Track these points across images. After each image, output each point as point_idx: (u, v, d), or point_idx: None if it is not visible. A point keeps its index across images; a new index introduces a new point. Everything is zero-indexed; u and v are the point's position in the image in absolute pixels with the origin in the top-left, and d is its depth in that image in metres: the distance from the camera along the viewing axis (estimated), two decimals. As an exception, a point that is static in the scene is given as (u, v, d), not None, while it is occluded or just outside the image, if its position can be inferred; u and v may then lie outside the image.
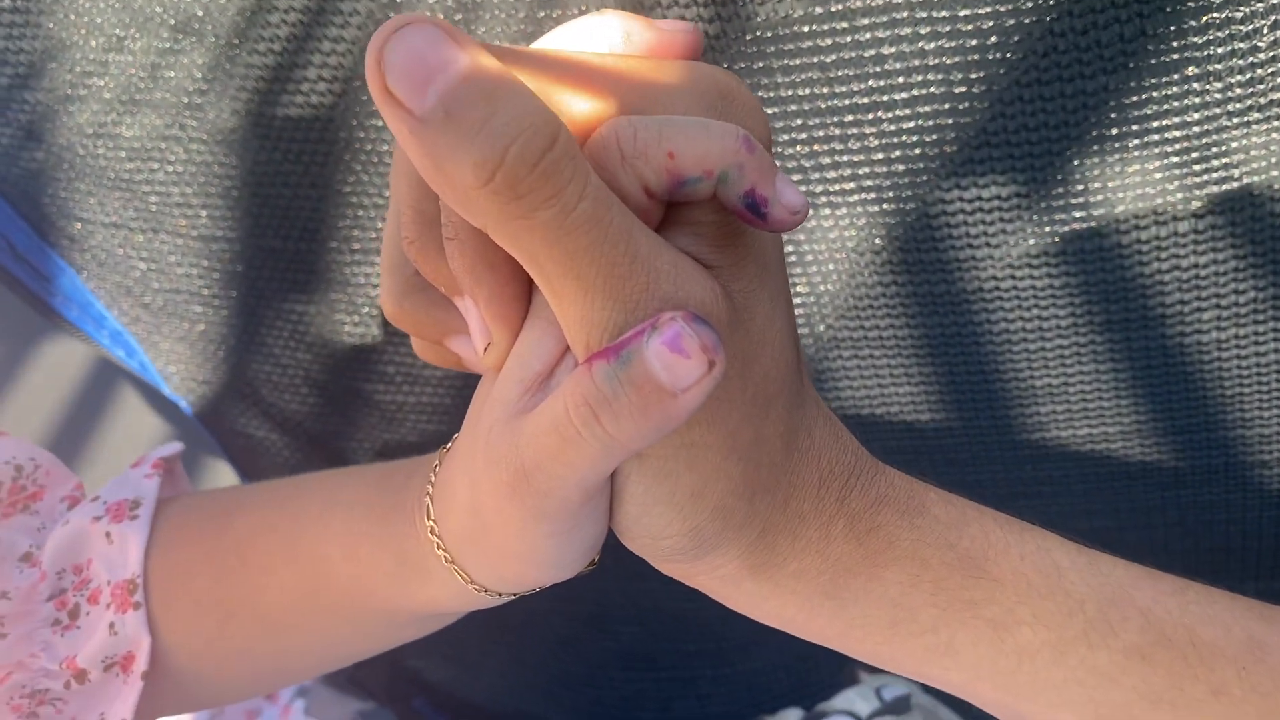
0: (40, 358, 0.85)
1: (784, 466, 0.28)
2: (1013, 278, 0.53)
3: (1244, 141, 0.48)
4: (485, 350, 0.28)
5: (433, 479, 0.32)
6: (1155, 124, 0.48)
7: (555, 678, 0.79)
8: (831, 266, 0.54)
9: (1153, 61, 0.46)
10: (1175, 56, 0.46)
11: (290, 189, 0.56)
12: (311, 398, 0.66)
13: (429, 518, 0.32)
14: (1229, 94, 0.47)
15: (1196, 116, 0.48)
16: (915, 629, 0.28)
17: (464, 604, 0.35)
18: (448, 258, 0.26)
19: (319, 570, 0.38)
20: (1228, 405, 0.58)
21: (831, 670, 0.78)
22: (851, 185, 0.51)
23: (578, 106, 0.25)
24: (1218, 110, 0.47)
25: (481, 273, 0.26)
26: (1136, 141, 0.49)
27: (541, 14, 0.48)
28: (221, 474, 0.85)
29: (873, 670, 0.76)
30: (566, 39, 0.27)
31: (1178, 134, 0.48)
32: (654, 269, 0.24)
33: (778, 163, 0.50)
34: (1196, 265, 0.52)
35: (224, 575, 0.41)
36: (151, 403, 0.88)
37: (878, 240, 0.53)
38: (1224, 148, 0.48)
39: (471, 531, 0.30)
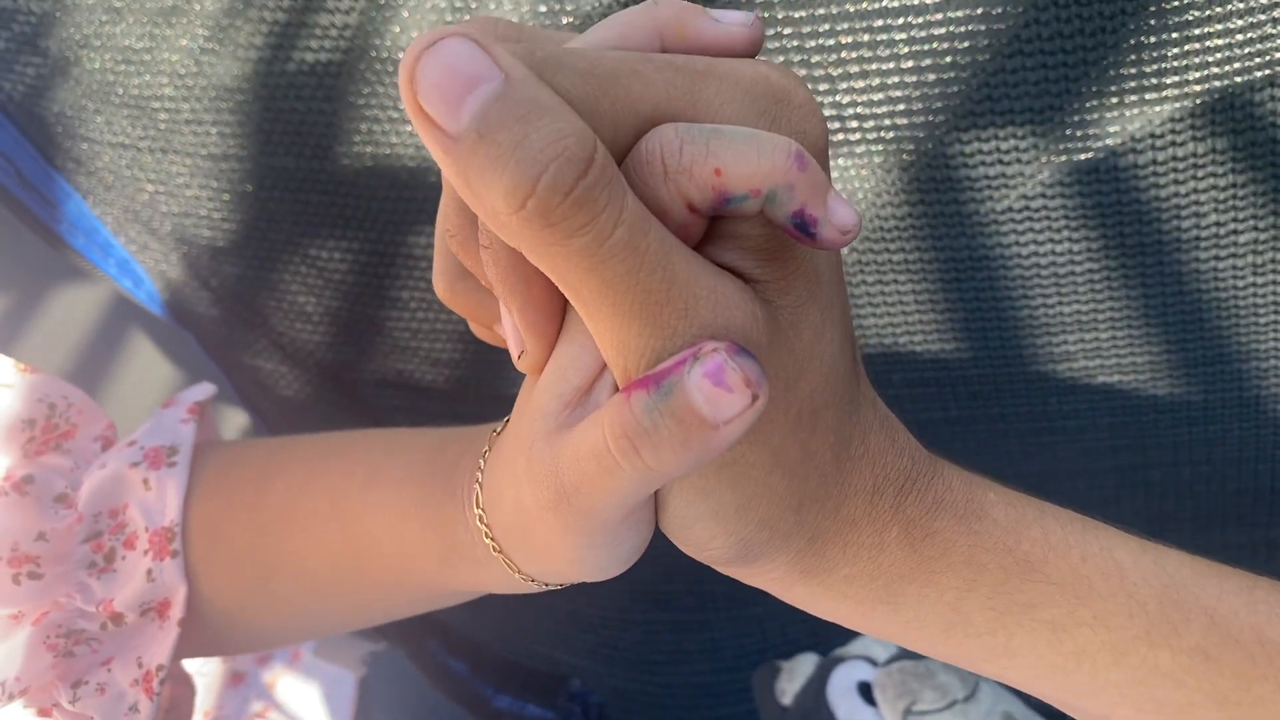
0: (49, 298, 0.84)
1: (834, 477, 0.27)
2: (1044, 197, 0.52)
3: (1288, 51, 0.46)
4: (519, 357, 0.27)
5: (482, 465, 0.32)
6: (1198, 30, 0.46)
7: (568, 619, 0.78)
8: (858, 184, 0.53)
9: (1197, -40, 0.44)
10: (1220, -45, 0.44)
11: (303, 102, 0.54)
12: (323, 326, 0.65)
13: (478, 505, 0.32)
14: (1276, 0, 0.45)
15: (1239, 24, 0.46)
16: (972, 631, 0.28)
17: (510, 589, 0.35)
18: (483, 265, 0.26)
19: (362, 543, 0.38)
20: (1262, 335, 0.56)
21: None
22: (880, 96, 0.49)
23: (621, 116, 0.24)
24: (1263, 16, 0.46)
25: (515, 284, 0.25)
26: (1176, 50, 0.47)
27: (543, 8, 0.46)
28: (229, 410, 0.84)
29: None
30: (616, 31, 0.26)
31: (1220, 42, 0.46)
32: (692, 295, 0.23)
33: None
34: (1234, 185, 0.51)
35: (264, 535, 0.41)
36: (159, 338, 0.88)
37: (905, 156, 0.51)
38: (1268, 57, 0.46)
39: (518, 529, 0.30)
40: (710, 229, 0.25)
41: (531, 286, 0.25)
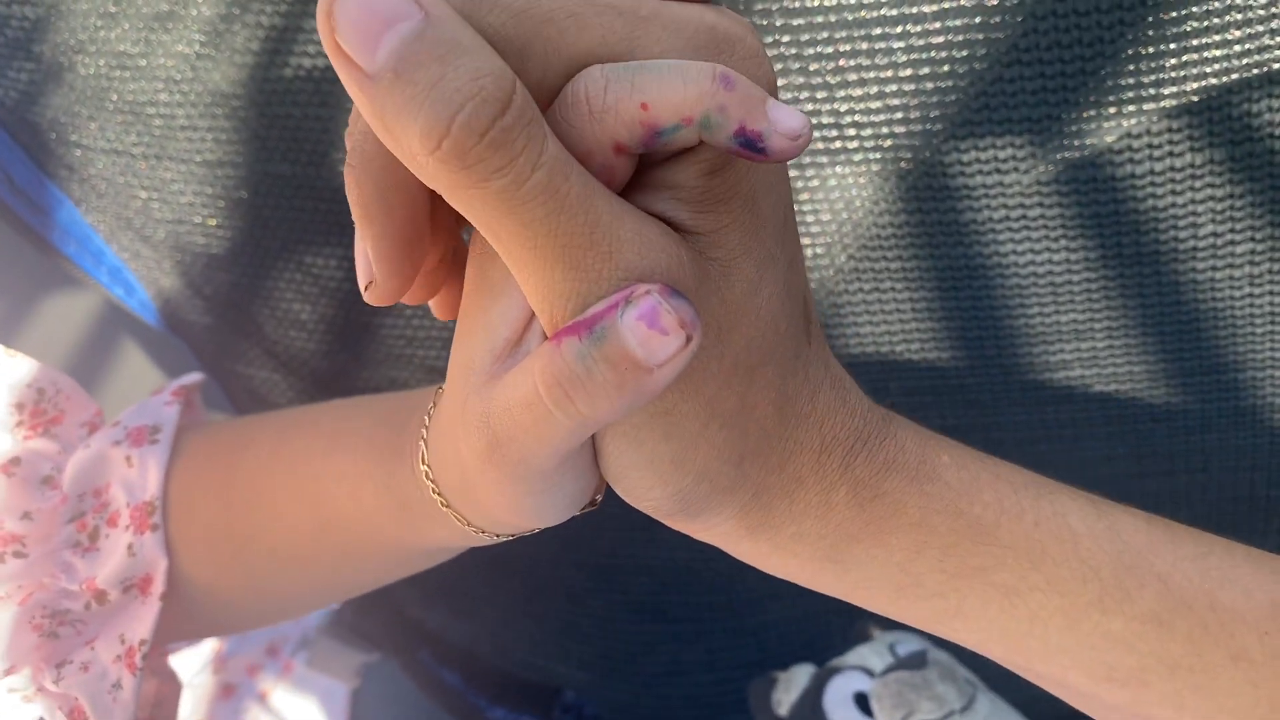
0: (40, 307, 0.83)
1: (778, 433, 0.27)
2: (1041, 205, 0.52)
3: (1285, 61, 0.46)
4: (367, 287, 0.27)
5: (427, 422, 0.32)
6: (1195, 40, 0.46)
7: (563, 630, 0.78)
8: (855, 192, 0.53)
9: (1195, -30, 0.44)
10: (1218, -36, 0.44)
11: (299, 108, 0.54)
12: (318, 334, 0.65)
13: (424, 461, 0.32)
14: (1273, 9, 0.45)
15: (1237, 34, 0.46)
16: (922, 593, 0.28)
17: (466, 542, 0.35)
18: (346, 186, 0.25)
19: (325, 509, 0.38)
20: (1258, 344, 0.56)
21: (844, 626, 0.77)
22: (878, 104, 0.49)
23: (553, 58, 0.23)
24: (1260, 27, 0.46)
25: (374, 211, 0.25)
26: (1174, 60, 0.47)
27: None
28: (222, 419, 0.83)
29: (886, 626, 0.75)
30: None
31: (1218, 52, 0.46)
32: (616, 238, 0.23)
33: (786, 84, 0.49)
34: (1232, 195, 0.51)
35: (236, 508, 0.41)
36: (151, 347, 0.87)
37: (903, 164, 0.51)
38: (1265, 68, 0.47)
39: (460, 482, 0.30)
40: (643, 178, 0.25)
41: (392, 216, 0.25)
